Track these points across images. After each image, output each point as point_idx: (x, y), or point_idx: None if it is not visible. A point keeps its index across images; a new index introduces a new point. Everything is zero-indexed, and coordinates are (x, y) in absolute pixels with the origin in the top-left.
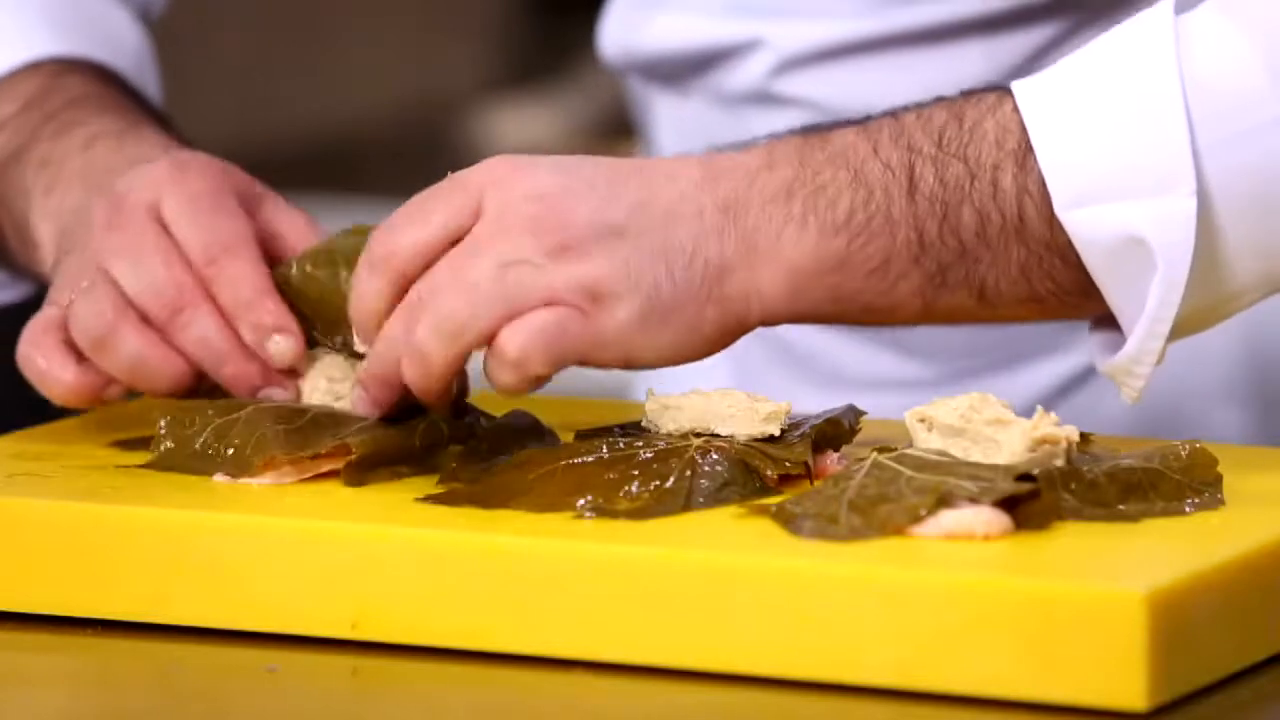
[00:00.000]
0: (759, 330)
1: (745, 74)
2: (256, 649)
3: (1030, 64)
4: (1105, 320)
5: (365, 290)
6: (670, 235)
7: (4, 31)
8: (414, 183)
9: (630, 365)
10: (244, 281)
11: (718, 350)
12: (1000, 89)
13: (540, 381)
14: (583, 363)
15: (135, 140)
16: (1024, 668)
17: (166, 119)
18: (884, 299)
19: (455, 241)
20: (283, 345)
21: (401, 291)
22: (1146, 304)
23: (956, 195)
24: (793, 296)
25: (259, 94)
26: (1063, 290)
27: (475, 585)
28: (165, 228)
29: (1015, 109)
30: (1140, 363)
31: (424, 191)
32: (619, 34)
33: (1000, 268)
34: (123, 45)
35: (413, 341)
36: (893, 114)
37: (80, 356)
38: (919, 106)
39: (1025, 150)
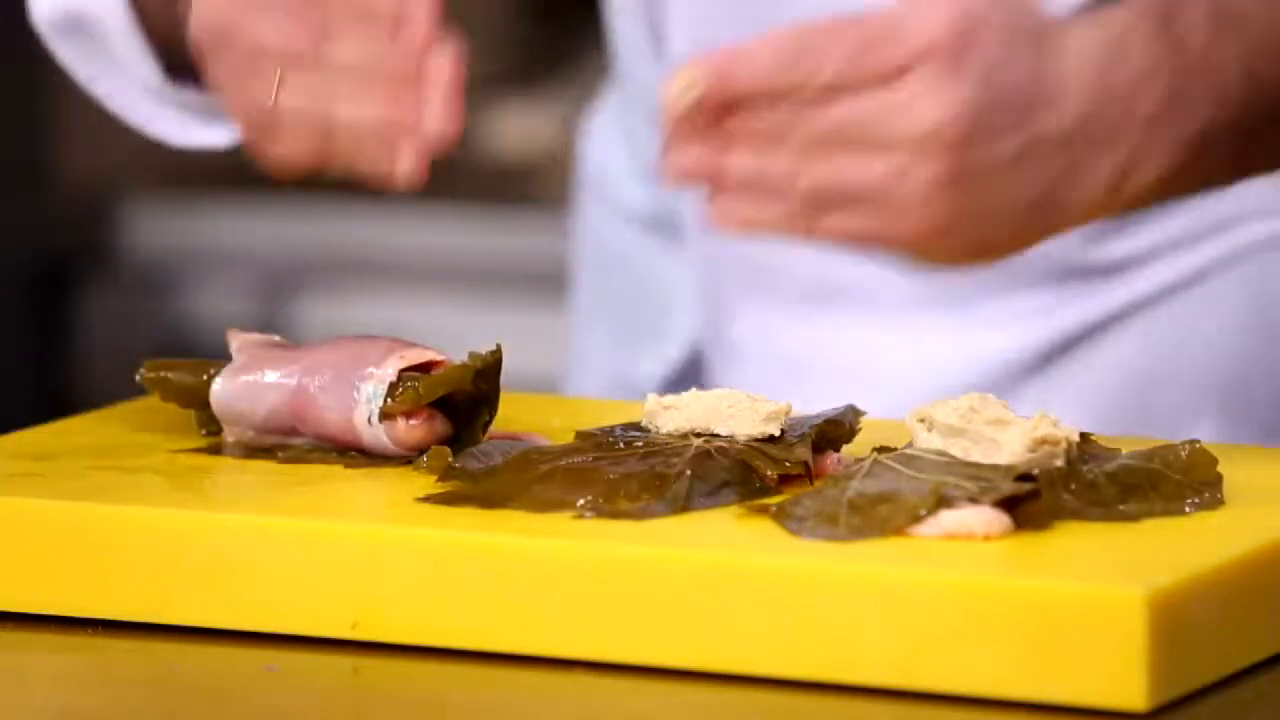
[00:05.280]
0: (731, 251)
1: None
2: (256, 649)
3: None
4: None
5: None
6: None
7: None
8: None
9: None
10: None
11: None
12: None
13: None
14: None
15: None
16: (1024, 668)
17: None
18: None
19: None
20: (406, 166)
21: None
22: None
23: None
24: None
25: None
26: None
27: (475, 585)
28: None
29: None
30: None
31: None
32: None
33: None
34: None
35: None
36: None
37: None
38: None
39: None
